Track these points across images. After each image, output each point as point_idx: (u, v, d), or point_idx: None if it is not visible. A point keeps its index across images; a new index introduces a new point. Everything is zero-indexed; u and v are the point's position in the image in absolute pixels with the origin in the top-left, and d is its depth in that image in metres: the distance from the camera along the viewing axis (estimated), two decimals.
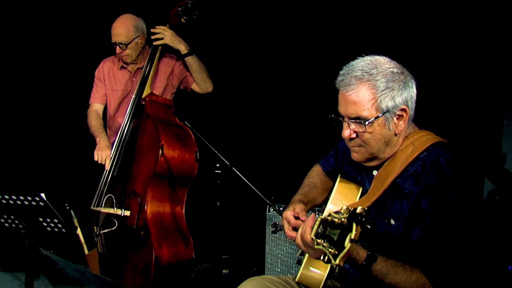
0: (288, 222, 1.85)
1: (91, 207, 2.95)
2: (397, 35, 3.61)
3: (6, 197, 2.42)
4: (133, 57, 3.24)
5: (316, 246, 1.33)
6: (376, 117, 1.58)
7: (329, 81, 1.75)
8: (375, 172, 1.74)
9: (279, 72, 4.13)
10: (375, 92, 1.57)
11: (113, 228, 2.86)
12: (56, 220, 2.45)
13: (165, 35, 3.06)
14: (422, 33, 3.58)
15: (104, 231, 2.89)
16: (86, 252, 2.91)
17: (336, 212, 1.33)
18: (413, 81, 1.64)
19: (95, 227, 2.95)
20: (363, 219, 1.27)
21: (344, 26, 3.85)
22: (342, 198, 1.79)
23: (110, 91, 3.37)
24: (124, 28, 3.16)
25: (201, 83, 3.22)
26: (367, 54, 1.67)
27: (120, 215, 2.86)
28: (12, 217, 2.53)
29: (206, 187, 3.50)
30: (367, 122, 1.59)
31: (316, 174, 2.14)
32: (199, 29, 4.03)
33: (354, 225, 1.24)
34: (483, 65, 3.47)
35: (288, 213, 1.85)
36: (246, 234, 3.96)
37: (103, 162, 3.03)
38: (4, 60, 4.14)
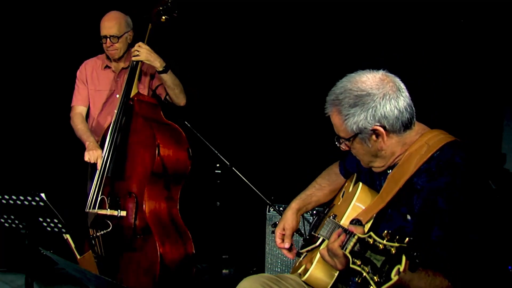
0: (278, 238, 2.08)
1: (86, 209, 2.93)
2: (397, 36, 3.61)
3: (6, 197, 2.41)
4: (121, 52, 3.24)
5: (352, 266, 1.37)
6: (348, 139, 1.66)
7: (329, 81, 1.75)
8: (390, 171, 1.75)
9: (280, 72, 4.13)
10: (341, 117, 1.64)
11: (109, 230, 2.85)
12: (56, 220, 2.44)
13: (140, 51, 3.04)
14: (422, 34, 3.58)
15: (101, 232, 2.88)
16: (78, 257, 2.84)
17: (375, 234, 1.34)
18: (389, 96, 1.58)
19: (90, 230, 2.93)
20: (415, 253, 1.24)
21: (344, 26, 3.85)
22: (362, 206, 1.80)
23: (93, 91, 3.34)
24: (116, 22, 3.18)
25: (173, 98, 3.22)
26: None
27: (116, 216, 2.86)
28: (12, 217, 2.53)
29: (206, 187, 3.50)
30: (346, 142, 1.68)
31: (327, 174, 2.19)
32: (198, 28, 4.03)
33: (403, 258, 1.23)
34: (483, 65, 3.47)
35: (278, 233, 2.06)
36: (246, 234, 3.96)
37: (94, 161, 2.99)
38: (4, 60, 4.14)
